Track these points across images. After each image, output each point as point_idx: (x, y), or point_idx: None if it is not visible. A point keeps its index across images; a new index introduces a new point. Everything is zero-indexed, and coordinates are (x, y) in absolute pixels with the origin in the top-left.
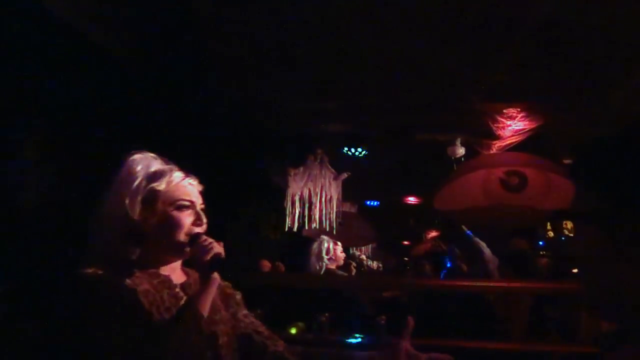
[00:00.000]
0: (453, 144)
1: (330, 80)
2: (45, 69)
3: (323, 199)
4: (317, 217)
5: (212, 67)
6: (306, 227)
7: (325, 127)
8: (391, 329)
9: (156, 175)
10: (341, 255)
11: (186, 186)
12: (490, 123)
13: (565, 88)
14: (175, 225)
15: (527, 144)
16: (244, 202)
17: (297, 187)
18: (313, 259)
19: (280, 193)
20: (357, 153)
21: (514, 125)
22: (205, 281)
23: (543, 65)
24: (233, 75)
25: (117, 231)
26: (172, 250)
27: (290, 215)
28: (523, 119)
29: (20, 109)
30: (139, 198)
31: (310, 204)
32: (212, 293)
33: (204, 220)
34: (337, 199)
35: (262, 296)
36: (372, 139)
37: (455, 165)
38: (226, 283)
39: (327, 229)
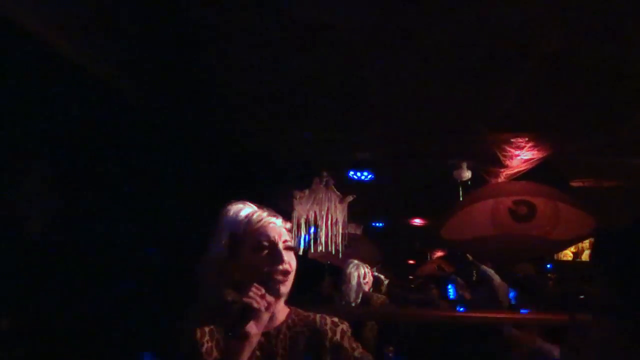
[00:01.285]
0: (459, 167)
1: (337, 108)
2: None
3: (329, 222)
4: (322, 240)
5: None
6: (312, 250)
7: (331, 155)
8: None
9: (236, 221)
10: (371, 279)
11: (266, 226)
12: (498, 152)
13: (575, 119)
14: (254, 268)
15: (535, 173)
16: None
17: (303, 210)
18: (353, 285)
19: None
20: (362, 177)
21: (522, 155)
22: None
23: (552, 96)
24: (239, 105)
25: (214, 282)
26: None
27: (296, 239)
28: (532, 148)
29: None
30: (223, 250)
31: (316, 227)
32: (249, 348)
33: (284, 258)
34: (343, 221)
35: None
36: (378, 163)
37: (461, 188)
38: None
39: (333, 252)
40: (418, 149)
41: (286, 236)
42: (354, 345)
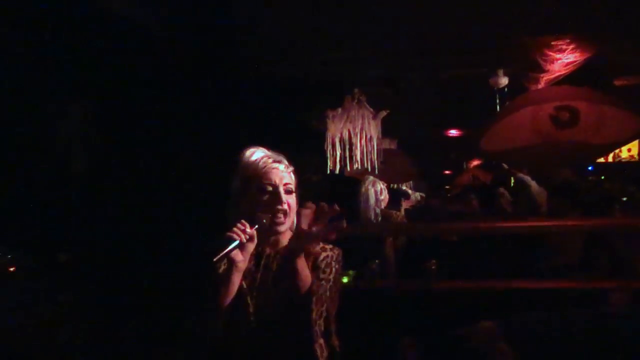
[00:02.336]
0: (495, 74)
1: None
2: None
3: (363, 139)
4: (358, 157)
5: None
6: (348, 169)
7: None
8: (442, 273)
9: (248, 165)
10: (387, 195)
11: (270, 170)
12: (537, 57)
13: (617, 17)
14: (258, 207)
15: (577, 76)
16: (284, 147)
17: (337, 129)
18: (371, 202)
19: (320, 136)
20: (396, 91)
21: (563, 58)
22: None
23: None
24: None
25: (232, 216)
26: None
27: (332, 158)
28: (573, 50)
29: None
30: (239, 190)
31: (351, 144)
32: (237, 272)
33: (282, 199)
34: (377, 137)
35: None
36: (412, 75)
37: (498, 96)
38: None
39: (369, 169)
40: (453, 57)
41: (288, 179)
42: (328, 270)
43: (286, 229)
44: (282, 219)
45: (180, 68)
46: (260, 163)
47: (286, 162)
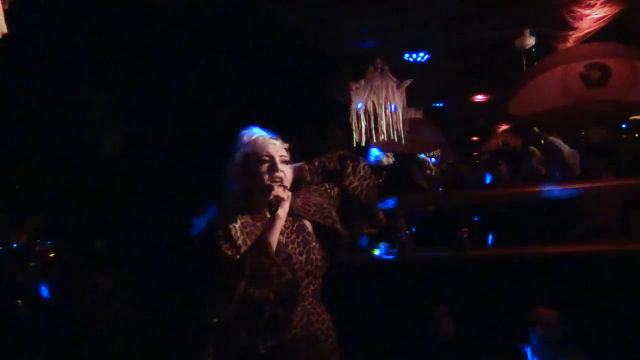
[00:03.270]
0: (521, 35)
1: None
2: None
3: (388, 110)
4: (384, 128)
5: None
6: (374, 140)
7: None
8: (474, 241)
9: (247, 142)
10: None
11: (265, 144)
12: (565, 13)
13: None
14: (257, 178)
15: (607, 32)
16: (309, 122)
17: (361, 101)
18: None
19: (345, 109)
20: (418, 58)
21: (592, 14)
22: (271, 217)
23: None
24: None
25: (234, 194)
26: (261, 194)
27: (357, 130)
28: (603, 5)
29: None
30: (238, 164)
31: (376, 116)
32: (277, 227)
33: (279, 168)
34: (402, 107)
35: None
36: (433, 40)
37: (524, 58)
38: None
39: (396, 140)
40: (475, 19)
41: (282, 152)
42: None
43: (288, 196)
44: (280, 184)
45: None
46: (259, 139)
47: (281, 140)
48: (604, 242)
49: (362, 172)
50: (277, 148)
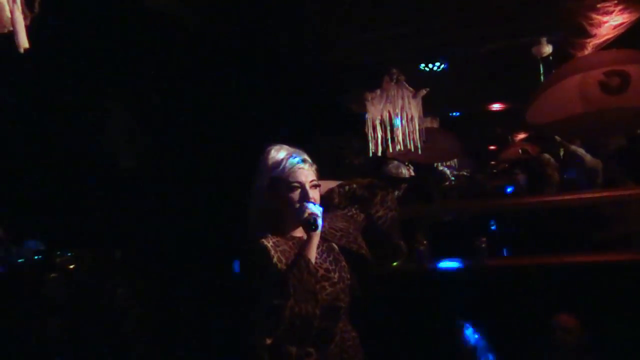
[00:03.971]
0: (538, 43)
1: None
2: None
3: (404, 119)
4: (400, 138)
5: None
6: (390, 150)
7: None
8: (492, 251)
9: (276, 164)
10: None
11: (296, 170)
12: (583, 20)
13: None
14: (290, 204)
15: (626, 39)
16: (324, 132)
17: (377, 111)
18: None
19: (361, 118)
20: (434, 68)
21: (611, 21)
22: (308, 235)
23: None
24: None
25: (261, 213)
26: (294, 223)
27: (373, 140)
28: (621, 11)
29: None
30: (265, 187)
31: (392, 126)
32: (314, 244)
33: (310, 195)
34: (419, 117)
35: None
36: (450, 49)
37: (542, 66)
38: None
39: (412, 149)
40: (492, 28)
41: (312, 177)
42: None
43: (321, 211)
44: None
45: (218, 60)
46: (287, 164)
47: (309, 160)
48: (626, 251)
49: (389, 203)
50: (306, 173)
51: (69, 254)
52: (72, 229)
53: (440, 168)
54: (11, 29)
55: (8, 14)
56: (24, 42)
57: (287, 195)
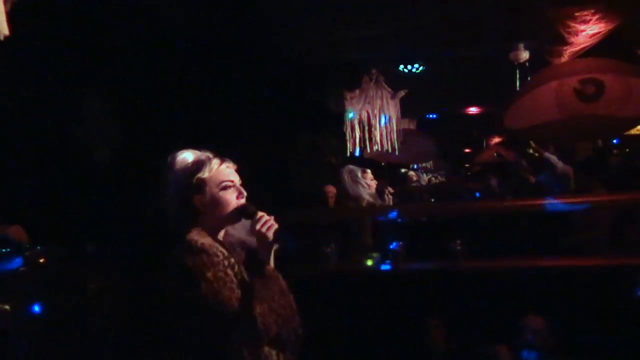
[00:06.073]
0: (516, 48)
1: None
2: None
3: (382, 120)
4: (377, 138)
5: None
6: (368, 150)
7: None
8: (469, 252)
9: (198, 166)
10: (372, 183)
11: (225, 169)
12: (560, 28)
13: None
14: (225, 202)
15: (602, 48)
16: (303, 130)
17: (355, 111)
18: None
19: (339, 118)
20: (413, 69)
21: (588, 30)
22: (268, 252)
23: None
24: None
25: (181, 214)
26: (226, 221)
27: (351, 140)
28: (598, 21)
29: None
30: (191, 189)
31: (370, 126)
32: (270, 249)
33: (244, 193)
34: (397, 117)
35: (333, 230)
36: (428, 52)
37: (518, 71)
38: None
39: (390, 150)
40: (471, 32)
41: (238, 177)
42: None
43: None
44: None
45: (198, 55)
46: (213, 164)
47: (229, 160)
48: (594, 256)
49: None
50: (234, 172)
51: (38, 248)
52: (43, 221)
53: (403, 170)
54: None
55: None
56: (4, 29)
57: (218, 195)
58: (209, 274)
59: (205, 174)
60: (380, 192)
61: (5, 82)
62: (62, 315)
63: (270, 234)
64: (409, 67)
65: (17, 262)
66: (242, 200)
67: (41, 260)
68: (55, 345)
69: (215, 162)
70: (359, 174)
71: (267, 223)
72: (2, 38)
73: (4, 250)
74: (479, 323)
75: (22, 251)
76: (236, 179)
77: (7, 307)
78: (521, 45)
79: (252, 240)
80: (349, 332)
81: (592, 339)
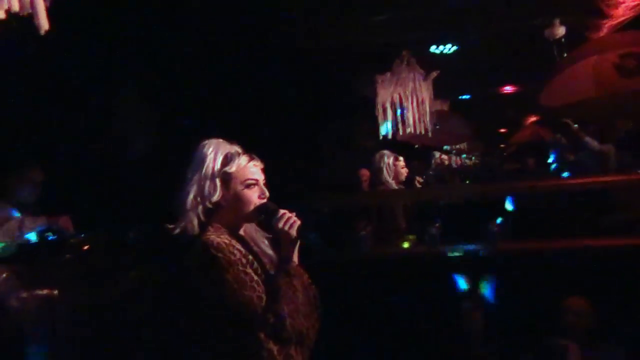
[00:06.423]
0: (551, 25)
1: None
2: None
3: (415, 103)
4: (410, 121)
5: None
6: (401, 133)
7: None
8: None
9: (227, 160)
10: (403, 171)
11: (251, 167)
12: (599, 2)
13: None
14: (247, 200)
15: None
16: (335, 115)
17: (387, 94)
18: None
19: (371, 101)
20: (445, 50)
21: (628, 1)
22: (292, 249)
23: None
24: None
25: (203, 207)
26: (245, 218)
27: (383, 123)
28: None
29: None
30: (217, 180)
31: (402, 109)
32: (294, 248)
33: (267, 193)
34: (429, 99)
35: (367, 214)
36: (461, 31)
37: (554, 48)
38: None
39: (422, 132)
40: (504, 9)
41: (263, 175)
42: None
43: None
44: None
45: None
46: (241, 160)
47: (257, 158)
48: (635, 235)
49: None
50: (260, 171)
51: (82, 236)
52: (87, 211)
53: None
54: (30, 11)
55: None
56: (44, 24)
57: (241, 192)
58: (228, 275)
59: (232, 168)
60: (409, 181)
61: (46, 76)
62: (104, 302)
63: (294, 231)
64: (441, 47)
65: (63, 250)
66: (264, 200)
67: (85, 248)
68: (96, 332)
69: (244, 158)
70: (391, 161)
71: (290, 220)
72: (42, 33)
73: (51, 238)
74: (517, 305)
75: (67, 239)
76: (261, 178)
77: (55, 292)
78: (557, 21)
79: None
80: (385, 316)
81: (633, 320)
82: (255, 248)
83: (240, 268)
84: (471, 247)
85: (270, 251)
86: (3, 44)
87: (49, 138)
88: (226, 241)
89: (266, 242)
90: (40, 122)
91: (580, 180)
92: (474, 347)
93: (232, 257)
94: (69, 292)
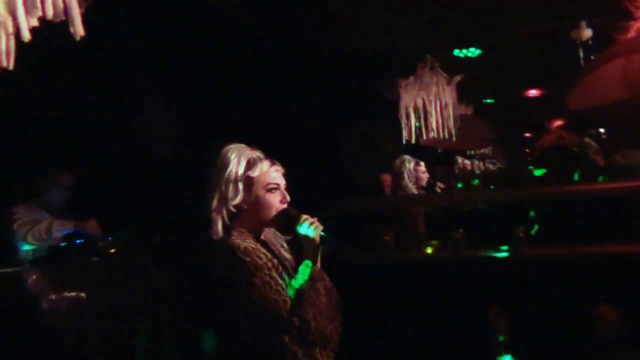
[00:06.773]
0: (577, 27)
1: None
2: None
3: (438, 107)
4: (434, 126)
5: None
6: (424, 137)
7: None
8: (530, 240)
9: (249, 164)
10: (424, 176)
11: (273, 172)
12: (626, 3)
13: None
14: (268, 204)
15: None
16: (358, 119)
17: (410, 98)
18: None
19: (394, 105)
20: (469, 54)
21: None
22: (315, 254)
23: None
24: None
25: (227, 210)
26: (266, 223)
27: (406, 127)
28: None
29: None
30: (240, 184)
31: (426, 113)
32: (318, 253)
33: (288, 198)
34: (453, 104)
35: (389, 218)
36: (485, 34)
37: (581, 51)
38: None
39: (446, 137)
40: (529, 11)
41: (284, 180)
42: None
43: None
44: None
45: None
46: (264, 165)
47: (279, 163)
48: None
49: None
50: (281, 175)
51: (110, 239)
52: (114, 214)
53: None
54: (64, 18)
55: (61, 2)
56: (79, 30)
57: (263, 196)
58: (255, 279)
59: (255, 172)
60: (430, 187)
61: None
62: (130, 303)
63: (317, 236)
64: (465, 51)
65: (91, 253)
66: (285, 205)
67: (112, 251)
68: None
69: (266, 163)
70: (412, 166)
71: (312, 225)
72: (78, 39)
73: (79, 242)
74: (544, 312)
75: (95, 243)
76: (282, 182)
77: (83, 294)
78: (583, 23)
79: (280, 242)
80: (408, 320)
81: None
82: (276, 252)
83: (266, 272)
84: (496, 252)
85: (288, 255)
86: (37, 50)
87: (78, 143)
88: (252, 245)
89: (285, 245)
90: (70, 126)
91: (608, 185)
92: (499, 354)
93: (259, 262)
94: (96, 294)
